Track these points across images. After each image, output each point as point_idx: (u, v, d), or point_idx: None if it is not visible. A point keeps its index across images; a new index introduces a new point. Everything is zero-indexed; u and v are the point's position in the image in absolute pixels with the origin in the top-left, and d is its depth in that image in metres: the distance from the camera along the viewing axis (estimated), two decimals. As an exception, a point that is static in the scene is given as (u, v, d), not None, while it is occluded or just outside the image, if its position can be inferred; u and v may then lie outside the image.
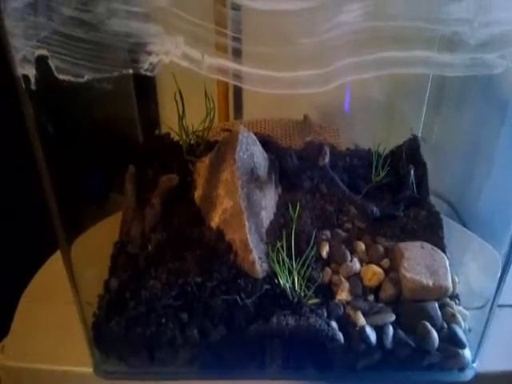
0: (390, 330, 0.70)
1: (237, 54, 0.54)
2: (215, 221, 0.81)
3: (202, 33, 0.49)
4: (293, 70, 0.53)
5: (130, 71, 0.50)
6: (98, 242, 0.87)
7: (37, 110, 0.57)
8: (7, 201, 0.95)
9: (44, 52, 0.51)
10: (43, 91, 0.54)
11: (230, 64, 0.50)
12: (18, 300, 0.83)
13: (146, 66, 0.49)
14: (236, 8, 0.52)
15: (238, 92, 1.28)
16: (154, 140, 1.00)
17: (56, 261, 0.82)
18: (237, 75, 0.52)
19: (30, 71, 0.51)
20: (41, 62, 0.52)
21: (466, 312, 0.74)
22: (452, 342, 0.70)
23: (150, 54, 0.49)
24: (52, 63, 0.50)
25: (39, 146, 0.56)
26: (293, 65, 0.53)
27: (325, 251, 0.80)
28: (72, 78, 0.50)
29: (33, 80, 0.51)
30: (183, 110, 0.88)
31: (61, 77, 0.50)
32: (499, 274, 0.70)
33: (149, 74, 0.49)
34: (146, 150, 0.97)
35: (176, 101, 0.86)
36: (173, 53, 0.48)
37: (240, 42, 0.54)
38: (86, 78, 0.50)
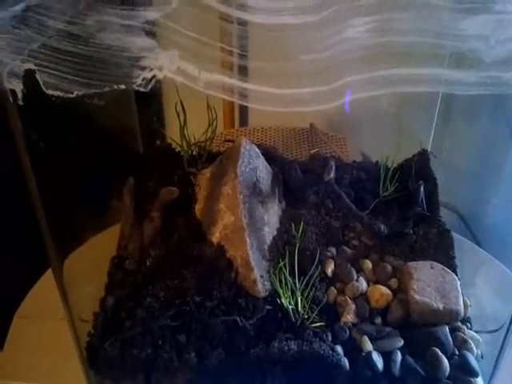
0: (398, 356, 0.67)
1: (241, 70, 0.51)
2: (216, 236, 0.78)
3: (198, 47, 0.46)
4: (296, 87, 0.50)
5: (123, 87, 0.47)
6: (95, 256, 0.84)
7: (28, 124, 0.55)
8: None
9: (32, 66, 0.48)
10: (35, 103, 0.52)
11: (228, 80, 0.47)
12: (11, 318, 0.81)
13: (139, 81, 0.46)
14: (241, 23, 0.49)
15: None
16: (154, 151, 0.98)
17: (51, 277, 0.80)
18: (236, 92, 0.49)
19: (17, 86, 0.48)
20: (29, 76, 0.49)
21: (479, 337, 0.70)
22: (464, 369, 0.66)
23: (143, 68, 0.46)
24: (40, 78, 0.47)
25: (27, 159, 0.54)
26: (296, 82, 0.50)
27: (330, 269, 0.77)
28: (61, 94, 0.47)
29: (20, 95, 0.48)
30: (185, 120, 0.85)
31: (49, 92, 0.47)
32: (515, 296, 0.67)
33: (142, 89, 0.46)
34: (146, 161, 0.94)
35: (177, 111, 0.83)
36: (167, 68, 0.45)
37: (244, 58, 0.51)
38: (75, 93, 0.47)
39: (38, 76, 0.48)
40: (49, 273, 0.85)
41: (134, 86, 0.46)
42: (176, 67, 0.46)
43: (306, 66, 0.47)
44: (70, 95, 0.47)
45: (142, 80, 0.46)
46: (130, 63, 0.46)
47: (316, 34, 0.44)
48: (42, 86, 0.48)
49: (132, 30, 0.44)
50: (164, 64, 0.45)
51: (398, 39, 0.44)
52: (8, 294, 0.82)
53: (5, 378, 0.75)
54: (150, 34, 0.45)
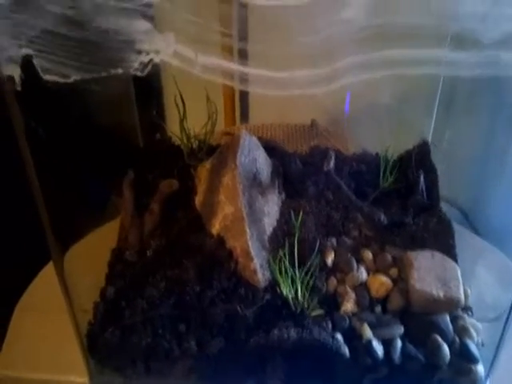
0: (399, 343, 0.67)
1: (239, 54, 0.51)
2: (216, 227, 0.78)
3: (196, 31, 0.46)
4: (294, 70, 0.50)
5: (119, 71, 0.47)
6: (96, 248, 0.84)
7: (27, 113, 0.55)
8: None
9: (30, 51, 0.48)
10: (35, 92, 0.52)
11: (225, 63, 0.47)
12: (12, 310, 0.81)
13: (135, 65, 0.46)
14: (241, 5, 0.49)
15: (244, 96, 1.25)
16: (154, 144, 0.98)
17: (51, 269, 0.80)
18: (234, 76, 0.49)
19: (15, 71, 0.48)
20: (27, 62, 0.49)
21: (479, 325, 0.70)
22: (464, 356, 0.66)
23: (140, 52, 0.46)
24: (37, 63, 0.47)
25: (27, 149, 0.54)
26: (294, 64, 0.50)
27: (330, 259, 0.77)
28: (58, 79, 0.47)
29: (18, 80, 0.48)
30: (184, 112, 0.85)
31: (47, 77, 0.47)
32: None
33: (139, 74, 0.46)
34: (146, 154, 0.94)
35: (177, 104, 0.84)
36: (164, 51, 0.46)
37: (243, 41, 0.51)
38: (72, 78, 0.47)
39: (35, 61, 0.48)
40: (50, 265, 0.85)
41: (131, 70, 0.46)
42: (172, 50, 0.46)
43: (306, 48, 0.46)
44: (68, 80, 0.47)
45: (139, 64, 0.46)
46: (127, 47, 0.46)
47: (316, 14, 0.44)
48: (40, 71, 0.48)
49: (129, 12, 0.44)
50: (160, 47, 0.45)
51: (398, 19, 0.44)
52: (9, 286, 0.82)
53: (6, 369, 0.75)
54: (147, 16, 0.46)
